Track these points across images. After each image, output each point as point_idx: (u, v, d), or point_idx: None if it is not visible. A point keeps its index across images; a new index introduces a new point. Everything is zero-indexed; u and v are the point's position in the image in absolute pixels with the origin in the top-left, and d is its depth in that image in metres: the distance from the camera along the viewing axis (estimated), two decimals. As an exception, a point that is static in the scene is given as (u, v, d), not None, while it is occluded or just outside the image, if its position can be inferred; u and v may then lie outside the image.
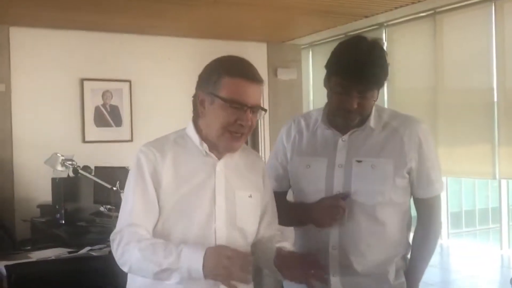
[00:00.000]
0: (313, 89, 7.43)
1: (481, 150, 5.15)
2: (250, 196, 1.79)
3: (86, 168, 4.04)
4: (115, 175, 3.77)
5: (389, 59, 1.84)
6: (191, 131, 1.78)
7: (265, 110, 1.78)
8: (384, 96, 5.86)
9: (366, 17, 5.71)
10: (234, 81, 1.69)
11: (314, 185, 1.95)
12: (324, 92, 1.96)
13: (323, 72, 1.93)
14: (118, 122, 6.09)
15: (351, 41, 1.89)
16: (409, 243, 2.04)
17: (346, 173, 1.91)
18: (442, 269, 6.24)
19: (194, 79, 1.75)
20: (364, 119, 1.93)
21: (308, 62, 7.48)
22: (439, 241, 6.94)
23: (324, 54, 8.91)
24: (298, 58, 7.28)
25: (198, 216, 1.69)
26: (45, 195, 5.00)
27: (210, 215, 1.71)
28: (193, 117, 1.79)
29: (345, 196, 1.90)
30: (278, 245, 1.78)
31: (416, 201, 2.02)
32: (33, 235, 4.82)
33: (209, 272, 1.53)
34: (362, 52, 1.81)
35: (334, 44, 1.91)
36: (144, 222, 1.66)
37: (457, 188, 8.12)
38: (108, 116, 6.03)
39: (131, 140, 6.09)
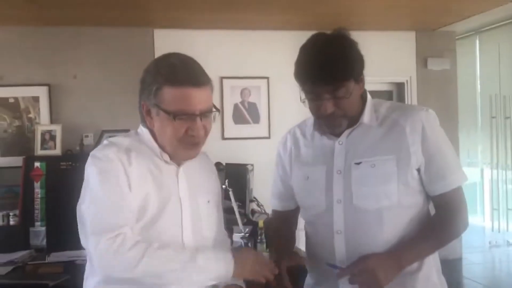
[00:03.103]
0: (481, 81, 6.99)
1: None
2: (209, 202, 1.72)
3: (218, 164, 3.73)
4: (241, 172, 3.88)
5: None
6: (149, 139, 1.62)
7: (218, 111, 1.64)
8: None
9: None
10: (176, 91, 1.53)
11: (314, 197, 1.77)
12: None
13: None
14: (256, 119, 6.07)
15: (308, 43, 1.72)
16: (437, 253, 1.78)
17: (345, 178, 1.71)
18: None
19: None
20: (354, 117, 1.73)
21: (474, 50, 6.83)
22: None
23: (495, 40, 7.12)
24: (452, 46, 6.45)
25: (167, 229, 1.58)
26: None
27: (179, 227, 1.61)
28: (145, 123, 1.62)
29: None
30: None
31: (433, 200, 1.74)
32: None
33: (240, 275, 1.57)
34: (317, 49, 1.65)
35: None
36: (133, 224, 1.53)
37: None
38: (246, 113, 6.06)
39: (269, 137, 6.04)
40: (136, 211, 1.56)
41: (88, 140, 5.13)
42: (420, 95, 6.39)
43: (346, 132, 1.76)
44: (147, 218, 1.57)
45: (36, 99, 5.32)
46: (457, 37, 6.60)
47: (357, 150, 1.74)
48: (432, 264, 1.78)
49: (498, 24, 6.45)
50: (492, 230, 6.96)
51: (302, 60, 1.71)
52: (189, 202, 1.67)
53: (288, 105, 5.96)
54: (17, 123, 5.30)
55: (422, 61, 6.37)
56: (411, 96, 6.43)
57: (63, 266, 3.07)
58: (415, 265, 1.73)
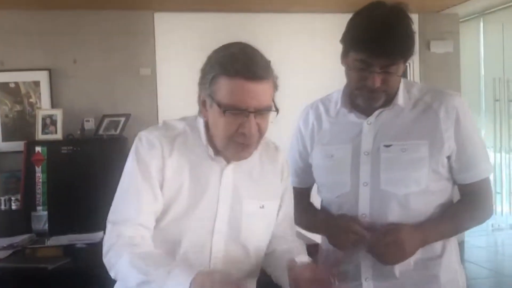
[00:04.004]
0: (485, 64, 6.91)
1: None
2: (262, 207, 1.55)
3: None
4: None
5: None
6: (201, 128, 1.54)
7: (277, 111, 1.49)
8: None
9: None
10: (231, 82, 1.41)
11: (338, 178, 1.71)
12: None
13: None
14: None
15: (368, 9, 1.63)
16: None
17: (373, 161, 1.66)
18: None
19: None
20: (391, 97, 1.67)
21: (478, 33, 6.76)
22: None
23: (499, 23, 7.00)
24: (455, 29, 6.34)
25: (195, 228, 1.49)
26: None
27: (209, 229, 1.50)
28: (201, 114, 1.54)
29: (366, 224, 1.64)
30: (296, 259, 1.51)
31: (460, 188, 1.73)
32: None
33: None
34: (381, 20, 1.56)
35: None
36: (150, 225, 1.47)
37: None
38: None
39: (271, 121, 5.18)
40: (164, 204, 1.49)
41: (89, 125, 5.13)
42: (423, 78, 6.30)
43: (376, 112, 1.71)
44: (175, 211, 1.50)
45: (37, 84, 5.31)
46: (460, 20, 6.52)
47: (387, 132, 1.69)
48: (453, 249, 1.77)
49: (502, 6, 6.36)
50: (495, 214, 6.94)
51: (362, 27, 1.61)
52: (230, 204, 1.53)
53: (292, 90, 5.99)
54: (18, 108, 5.29)
55: (425, 44, 6.24)
56: (414, 79, 6.30)
57: (63, 249, 3.08)
58: (438, 250, 1.72)
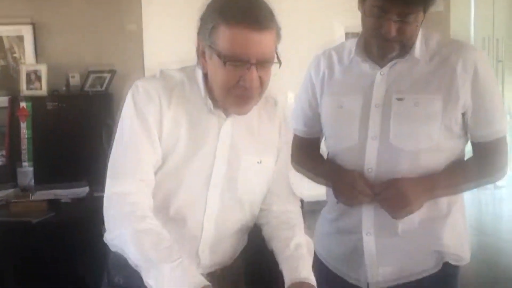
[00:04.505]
0: (475, 23, 6.78)
1: None
2: (260, 162, 1.53)
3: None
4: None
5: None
6: (200, 79, 1.48)
7: (280, 63, 1.42)
8: None
9: None
10: (231, 31, 1.34)
11: (346, 129, 1.68)
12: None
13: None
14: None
15: None
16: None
17: (384, 113, 1.61)
18: None
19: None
20: (407, 48, 1.60)
21: None
22: None
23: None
24: None
25: (191, 182, 1.46)
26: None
27: (205, 183, 1.48)
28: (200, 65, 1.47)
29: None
30: (292, 245, 1.50)
31: (474, 146, 1.67)
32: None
33: None
34: None
35: None
36: (151, 179, 1.43)
37: None
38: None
39: (274, 75, 5.14)
40: (160, 158, 1.45)
41: (74, 81, 5.08)
42: (413, 36, 6.30)
43: (391, 63, 1.64)
44: (171, 164, 1.46)
45: (20, 38, 5.22)
46: (452, -22, 6.45)
47: (400, 84, 1.63)
48: (459, 211, 1.73)
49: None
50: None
51: None
52: (227, 158, 1.50)
53: (297, 55, 5.97)
54: (2, 62, 5.22)
55: (415, 2, 6.17)
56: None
57: (48, 204, 3.08)
58: (444, 209, 1.68)
